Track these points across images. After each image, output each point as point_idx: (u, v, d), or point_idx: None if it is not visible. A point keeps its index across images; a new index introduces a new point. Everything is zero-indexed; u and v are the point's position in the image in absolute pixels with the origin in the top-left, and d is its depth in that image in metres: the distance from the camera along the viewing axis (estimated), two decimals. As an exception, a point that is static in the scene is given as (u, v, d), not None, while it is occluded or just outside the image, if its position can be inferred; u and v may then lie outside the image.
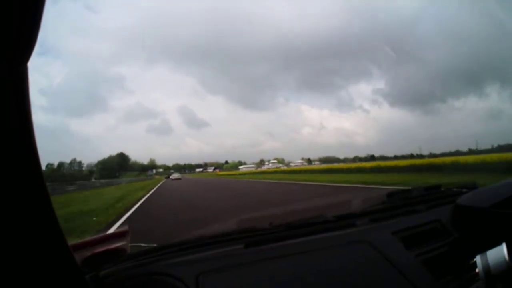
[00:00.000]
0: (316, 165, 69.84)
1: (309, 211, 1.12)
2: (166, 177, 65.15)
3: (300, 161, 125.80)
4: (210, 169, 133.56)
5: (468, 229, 0.95)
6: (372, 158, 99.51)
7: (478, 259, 0.63)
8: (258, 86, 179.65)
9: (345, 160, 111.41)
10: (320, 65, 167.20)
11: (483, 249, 0.65)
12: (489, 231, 0.86)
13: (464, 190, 1.15)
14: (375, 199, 1.19)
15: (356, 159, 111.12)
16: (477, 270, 0.62)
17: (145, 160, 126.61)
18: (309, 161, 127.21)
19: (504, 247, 0.61)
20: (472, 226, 0.95)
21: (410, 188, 1.26)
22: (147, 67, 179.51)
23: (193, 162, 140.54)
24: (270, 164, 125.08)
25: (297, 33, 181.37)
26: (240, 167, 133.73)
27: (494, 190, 1.02)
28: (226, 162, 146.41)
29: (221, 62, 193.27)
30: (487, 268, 0.60)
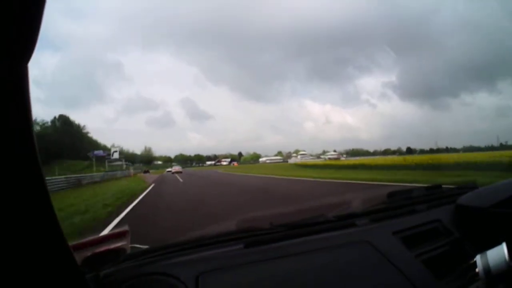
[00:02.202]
0: (375, 158, 53.34)
1: (310, 211, 1.14)
2: (144, 172, 48.27)
3: (334, 153, 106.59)
4: (225, 162, 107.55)
5: (469, 229, 0.96)
6: (409, 151, 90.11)
7: (478, 258, 0.64)
8: (265, 76, 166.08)
9: (375, 153, 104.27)
10: (331, 54, 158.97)
11: (483, 249, 0.65)
12: (489, 231, 0.87)
13: (465, 190, 1.14)
14: (376, 199, 1.19)
15: (388, 151, 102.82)
16: (477, 269, 0.62)
17: (139, 151, 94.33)
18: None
19: (504, 247, 0.61)
20: (473, 226, 0.96)
21: (410, 187, 1.26)
22: (146, 54, 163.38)
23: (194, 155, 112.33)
24: (299, 157, 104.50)
25: (310, 16, 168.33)
26: (261, 159, 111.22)
27: (494, 189, 1.02)
28: (240, 154, 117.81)
29: (226, 47, 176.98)
30: (487, 268, 0.60)
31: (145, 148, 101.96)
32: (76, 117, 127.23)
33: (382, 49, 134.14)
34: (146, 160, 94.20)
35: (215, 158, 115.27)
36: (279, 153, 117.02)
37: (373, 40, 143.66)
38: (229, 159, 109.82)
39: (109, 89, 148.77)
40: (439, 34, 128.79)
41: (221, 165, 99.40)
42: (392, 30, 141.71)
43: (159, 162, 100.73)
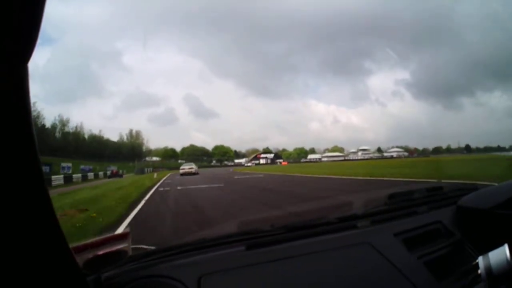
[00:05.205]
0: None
1: (311, 213, 1.11)
2: (111, 175, 32.47)
3: (396, 149, 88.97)
4: (263, 160, 73.73)
5: (470, 230, 0.95)
6: (467, 149, 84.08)
7: (480, 260, 0.63)
8: (273, 70, 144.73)
9: (425, 152, 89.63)
10: (343, 46, 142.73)
11: (485, 250, 0.65)
12: (491, 232, 0.86)
13: (465, 191, 1.13)
14: (377, 201, 1.17)
15: (440, 150, 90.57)
16: (479, 271, 0.62)
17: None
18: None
19: (506, 248, 0.61)
20: (474, 227, 0.95)
21: (411, 189, 1.25)
22: (146, 44, 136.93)
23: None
24: (360, 153, 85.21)
25: (325, 3, 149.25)
26: (310, 156, 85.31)
27: (495, 191, 1.00)
28: (267, 149, 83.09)
29: (232, 36, 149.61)
30: (489, 269, 0.60)
31: (131, 133, 61.55)
32: (73, 113, 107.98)
33: (398, 43, 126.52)
34: (131, 154, 52.85)
35: (235, 155, 76.72)
36: (311, 150, 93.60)
37: (390, 33, 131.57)
38: (271, 155, 74.20)
39: (108, 83, 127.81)
40: (459, 28, 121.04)
41: (258, 163, 68.51)
42: (410, 22, 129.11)
43: (155, 158, 60.72)
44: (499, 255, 0.60)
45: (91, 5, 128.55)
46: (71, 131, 45.03)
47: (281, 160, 69.77)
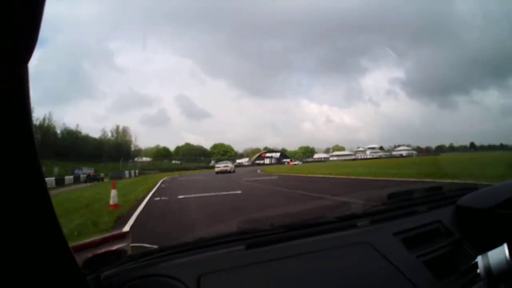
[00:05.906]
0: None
1: (311, 212, 1.12)
2: (90, 179, 25.91)
3: (404, 147, 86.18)
4: (267, 160, 67.39)
5: (469, 230, 0.95)
6: (472, 147, 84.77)
7: (479, 259, 0.63)
8: (267, 69, 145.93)
9: (429, 150, 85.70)
10: (338, 45, 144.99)
11: (484, 250, 0.65)
12: (490, 232, 0.87)
13: (465, 191, 1.13)
14: (376, 200, 1.19)
15: (443, 148, 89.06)
16: (478, 270, 0.62)
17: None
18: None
19: (505, 248, 0.61)
20: (473, 227, 0.96)
21: (411, 188, 1.27)
22: (137, 43, 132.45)
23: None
24: (368, 152, 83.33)
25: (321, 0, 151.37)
26: (316, 155, 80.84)
27: (494, 191, 1.01)
28: (268, 148, 76.13)
29: (225, 35, 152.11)
30: (488, 269, 0.60)
31: (118, 129, 54.29)
32: (64, 115, 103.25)
33: (393, 42, 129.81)
34: (117, 153, 45.63)
35: (231, 156, 70.76)
36: (312, 149, 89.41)
37: (384, 31, 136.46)
38: (277, 154, 67.99)
39: (99, 83, 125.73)
40: (454, 26, 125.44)
41: (263, 163, 62.54)
42: (405, 21, 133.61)
43: (145, 159, 53.64)
44: (498, 254, 0.60)
45: (81, 4, 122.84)
46: (37, 123, 36.08)
47: (288, 160, 63.65)
